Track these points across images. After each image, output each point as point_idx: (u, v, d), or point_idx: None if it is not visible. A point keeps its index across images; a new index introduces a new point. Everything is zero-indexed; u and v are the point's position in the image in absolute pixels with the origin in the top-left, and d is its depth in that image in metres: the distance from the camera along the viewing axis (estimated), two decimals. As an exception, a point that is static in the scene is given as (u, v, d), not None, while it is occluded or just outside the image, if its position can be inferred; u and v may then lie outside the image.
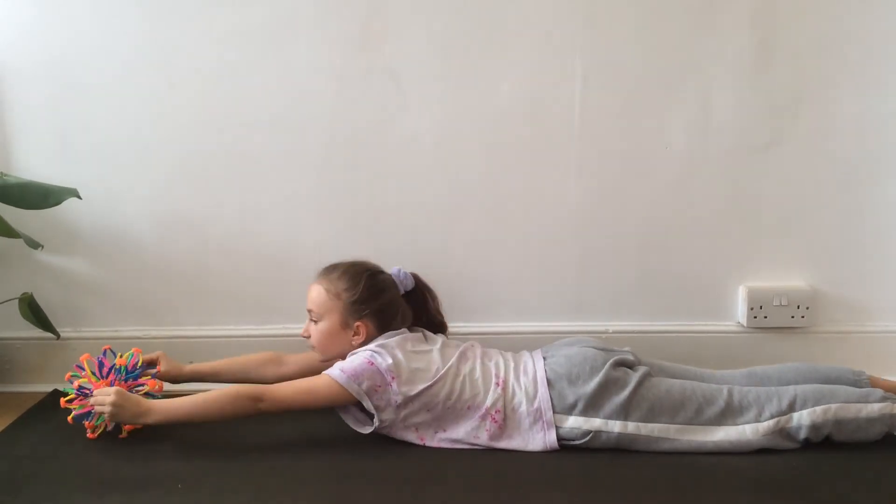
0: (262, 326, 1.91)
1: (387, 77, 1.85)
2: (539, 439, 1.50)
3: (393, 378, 1.49)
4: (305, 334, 1.63)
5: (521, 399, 1.51)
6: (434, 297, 1.71)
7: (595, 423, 1.49)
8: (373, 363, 1.50)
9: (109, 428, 1.58)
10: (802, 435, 1.48)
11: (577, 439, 1.49)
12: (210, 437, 1.58)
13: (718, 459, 1.46)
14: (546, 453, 1.49)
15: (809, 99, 1.88)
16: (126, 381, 1.60)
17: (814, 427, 1.48)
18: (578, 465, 1.45)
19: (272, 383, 1.57)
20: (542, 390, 1.51)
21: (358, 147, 1.87)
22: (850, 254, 1.94)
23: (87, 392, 1.57)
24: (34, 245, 1.73)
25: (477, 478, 1.41)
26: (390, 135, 1.87)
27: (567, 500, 1.34)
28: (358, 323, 1.58)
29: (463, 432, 1.51)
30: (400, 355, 1.52)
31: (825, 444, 1.50)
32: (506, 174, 1.89)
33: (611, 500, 1.34)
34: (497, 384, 1.53)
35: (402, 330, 1.61)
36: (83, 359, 1.60)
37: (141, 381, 1.62)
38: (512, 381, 1.54)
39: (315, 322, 1.61)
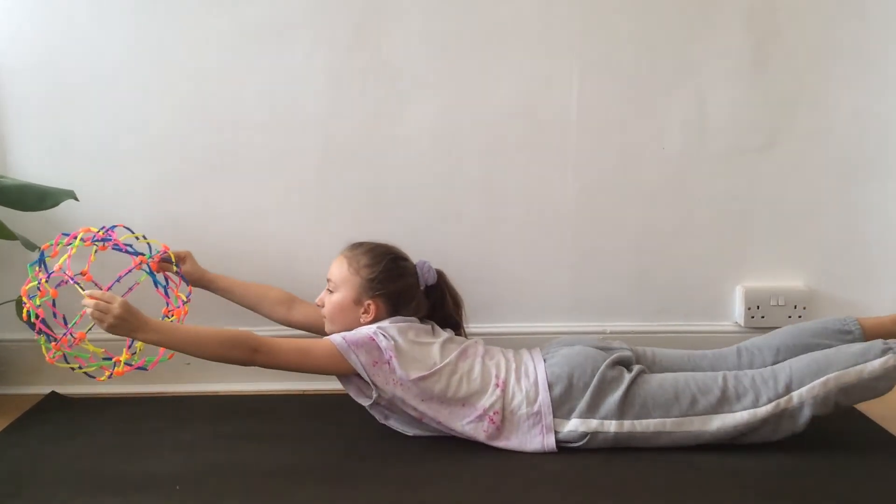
0: (259, 328, 1.89)
1: (384, 77, 1.85)
2: (537, 442, 1.50)
3: (392, 357, 1.49)
4: (320, 303, 1.63)
5: (520, 401, 1.51)
6: (456, 300, 1.70)
7: (592, 424, 1.48)
8: (374, 339, 1.51)
9: (87, 367, 1.55)
10: (807, 413, 1.45)
11: (575, 441, 1.49)
12: (208, 439, 1.58)
13: (718, 460, 1.45)
14: (544, 454, 1.49)
15: (806, 99, 1.88)
16: (155, 286, 1.58)
17: (816, 401, 1.45)
18: (576, 465, 1.45)
19: (280, 323, 1.63)
20: (543, 394, 1.51)
21: (355, 147, 1.88)
22: (846, 254, 1.95)
23: (68, 281, 1.45)
24: (31, 247, 1.73)
25: (475, 478, 1.41)
26: (387, 135, 1.87)
27: (565, 501, 1.34)
28: (369, 301, 1.59)
29: (459, 428, 1.51)
30: (400, 341, 1.52)
31: (823, 442, 1.50)
32: (503, 174, 1.90)
33: (608, 501, 1.34)
34: (497, 385, 1.53)
35: (412, 319, 1.61)
36: (82, 230, 1.51)
37: (171, 308, 1.60)
38: (512, 382, 1.53)
39: (331, 292, 1.61)
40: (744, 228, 1.94)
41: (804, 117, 1.89)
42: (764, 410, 1.46)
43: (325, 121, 1.86)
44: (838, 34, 1.86)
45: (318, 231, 1.90)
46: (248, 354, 1.44)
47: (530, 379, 1.53)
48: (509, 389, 1.52)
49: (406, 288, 1.62)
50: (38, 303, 1.48)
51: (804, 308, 1.94)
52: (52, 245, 1.54)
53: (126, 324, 1.37)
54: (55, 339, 1.50)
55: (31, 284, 1.48)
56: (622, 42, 1.85)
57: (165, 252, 1.66)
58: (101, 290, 1.49)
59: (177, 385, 1.72)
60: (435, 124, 1.87)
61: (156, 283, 1.66)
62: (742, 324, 1.95)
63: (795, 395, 1.46)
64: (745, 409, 1.46)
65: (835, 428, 1.55)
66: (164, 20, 1.81)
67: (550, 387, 1.51)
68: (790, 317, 1.94)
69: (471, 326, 1.84)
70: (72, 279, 1.47)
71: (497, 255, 1.93)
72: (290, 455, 1.50)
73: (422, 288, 1.65)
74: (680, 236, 1.94)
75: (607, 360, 1.53)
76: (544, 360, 1.57)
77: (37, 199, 1.67)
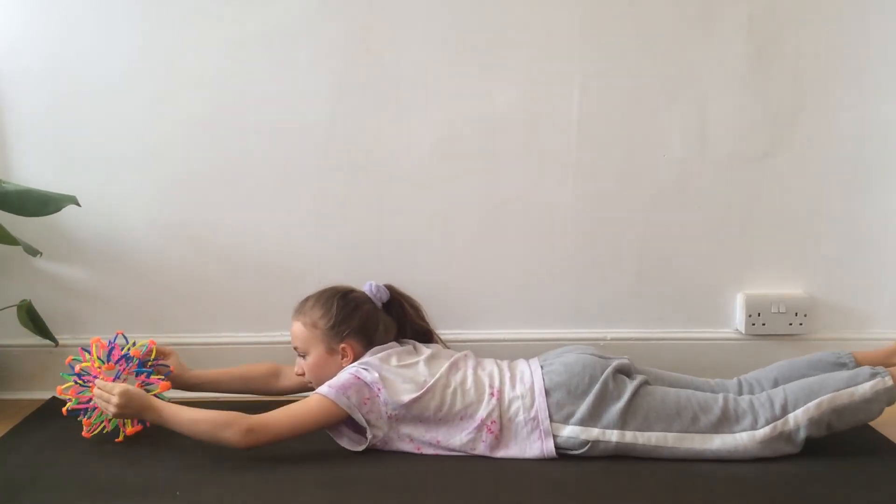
0: (261, 333, 1.91)
1: (386, 83, 1.85)
2: (536, 448, 1.50)
3: (380, 389, 1.50)
4: (300, 372, 1.64)
5: (517, 408, 1.51)
6: (414, 305, 1.72)
7: (593, 432, 1.48)
8: (358, 377, 1.51)
9: (108, 429, 1.58)
10: (802, 435, 1.48)
11: (576, 449, 1.49)
12: (208, 444, 1.57)
13: (718, 467, 1.46)
14: (544, 461, 1.49)
15: (807, 107, 1.89)
16: (137, 375, 1.59)
17: (811, 423, 1.47)
18: (576, 472, 1.45)
19: (274, 395, 1.59)
20: (540, 399, 1.51)
21: (357, 154, 1.88)
22: (847, 261, 1.95)
23: (88, 380, 1.55)
24: (33, 252, 1.73)
25: (475, 486, 1.41)
26: (389, 142, 1.87)
27: (565, 508, 1.34)
28: (342, 345, 1.60)
29: (458, 443, 1.51)
30: (385, 370, 1.53)
31: (823, 449, 1.50)
32: (504, 181, 1.90)
33: (609, 508, 1.34)
34: (492, 395, 1.53)
35: (391, 344, 1.63)
36: (92, 341, 1.59)
37: (153, 380, 1.61)
38: (508, 390, 1.53)
39: (303, 357, 1.62)
40: (745, 235, 1.94)
41: (805, 124, 1.89)
42: (762, 433, 1.47)
43: (327, 127, 1.86)
44: (838, 41, 1.86)
45: (319, 238, 1.90)
46: (242, 435, 1.44)
47: (526, 385, 1.54)
48: (505, 397, 1.53)
49: (367, 316, 1.63)
50: (74, 400, 1.58)
51: (805, 315, 1.94)
52: (71, 364, 1.61)
53: (129, 409, 1.48)
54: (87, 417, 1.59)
55: (66, 385, 1.59)
56: (623, 49, 1.85)
57: (151, 349, 1.64)
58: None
59: (177, 390, 1.71)
60: (436, 131, 1.87)
61: (137, 373, 1.64)
62: (743, 331, 1.95)
63: (791, 416, 1.48)
64: (744, 430, 1.48)
65: (835, 435, 1.55)
66: (166, 27, 1.82)
67: (548, 392, 1.52)
68: (791, 324, 1.94)
69: (470, 333, 1.86)
70: (94, 377, 1.57)
71: (497, 262, 1.93)
72: (290, 461, 1.50)
73: (380, 307, 1.67)
74: (681, 243, 1.94)
75: (609, 369, 1.53)
76: (541, 368, 1.57)
77: (38, 204, 1.67)
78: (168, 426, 1.48)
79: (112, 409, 1.48)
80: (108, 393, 1.48)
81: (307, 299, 1.64)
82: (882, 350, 1.68)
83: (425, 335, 1.71)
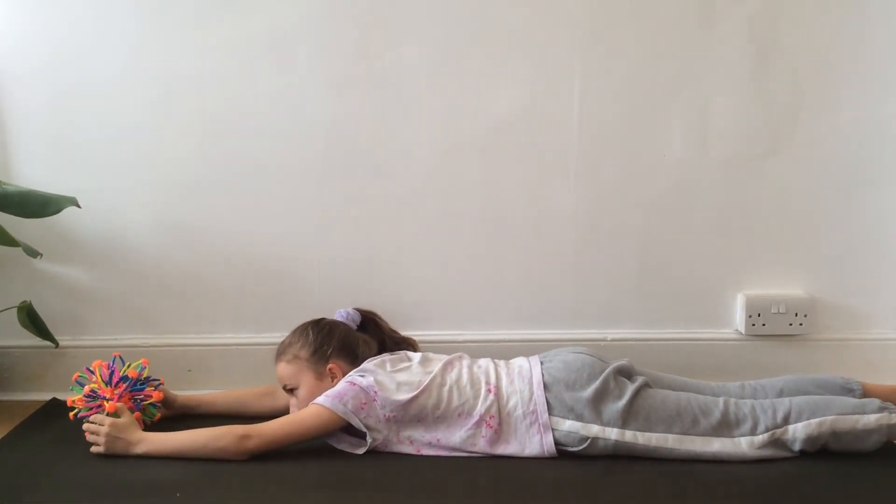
0: (261, 334, 1.91)
1: (386, 85, 1.85)
2: (536, 443, 1.50)
3: (377, 392, 1.51)
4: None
5: (516, 402, 1.52)
6: (382, 319, 1.74)
7: (593, 429, 1.49)
8: (354, 383, 1.52)
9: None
10: (798, 447, 1.49)
11: (575, 446, 1.49)
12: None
13: (717, 467, 1.46)
14: (544, 460, 1.49)
15: (807, 107, 1.88)
16: (132, 391, 1.61)
17: (809, 439, 1.48)
18: (577, 471, 1.45)
19: (267, 414, 1.59)
20: (538, 393, 1.52)
21: (357, 155, 1.88)
22: (848, 262, 1.95)
23: (95, 396, 1.59)
24: (33, 253, 1.73)
25: (475, 485, 1.41)
26: (389, 143, 1.87)
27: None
28: (329, 366, 1.61)
29: (458, 440, 1.51)
30: (380, 374, 1.54)
31: (823, 451, 1.50)
32: (504, 182, 1.90)
33: (609, 508, 1.34)
34: (489, 391, 1.53)
35: (384, 355, 1.64)
36: (95, 364, 1.61)
37: (147, 391, 1.63)
38: (505, 385, 1.54)
39: (295, 392, 1.62)
40: (745, 236, 1.94)
41: (805, 125, 1.89)
42: (760, 440, 1.48)
43: (326, 129, 1.86)
44: (839, 42, 1.86)
45: (319, 239, 1.90)
46: (238, 441, 1.46)
47: (525, 379, 1.55)
48: (503, 392, 1.54)
49: (345, 335, 1.65)
50: (84, 408, 1.61)
51: (805, 316, 1.94)
52: (77, 380, 1.63)
53: (119, 442, 1.49)
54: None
55: (76, 397, 1.61)
56: (624, 50, 1.85)
57: (145, 367, 1.66)
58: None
59: (177, 391, 1.72)
60: (436, 132, 1.87)
61: (133, 389, 1.64)
62: (743, 331, 1.95)
63: (791, 428, 1.49)
64: (743, 435, 1.49)
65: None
66: (167, 28, 1.82)
67: (546, 387, 1.53)
68: (791, 324, 1.94)
69: (470, 334, 1.86)
70: (100, 396, 1.60)
71: (498, 262, 1.93)
72: (291, 462, 1.50)
73: (355, 329, 1.69)
74: (681, 244, 1.94)
75: (609, 368, 1.54)
76: (541, 364, 1.58)
77: (39, 205, 1.67)
78: (161, 454, 1.49)
79: (101, 441, 1.49)
80: (98, 425, 1.50)
81: (283, 341, 1.65)
82: (893, 386, 1.66)
83: (404, 341, 1.73)
